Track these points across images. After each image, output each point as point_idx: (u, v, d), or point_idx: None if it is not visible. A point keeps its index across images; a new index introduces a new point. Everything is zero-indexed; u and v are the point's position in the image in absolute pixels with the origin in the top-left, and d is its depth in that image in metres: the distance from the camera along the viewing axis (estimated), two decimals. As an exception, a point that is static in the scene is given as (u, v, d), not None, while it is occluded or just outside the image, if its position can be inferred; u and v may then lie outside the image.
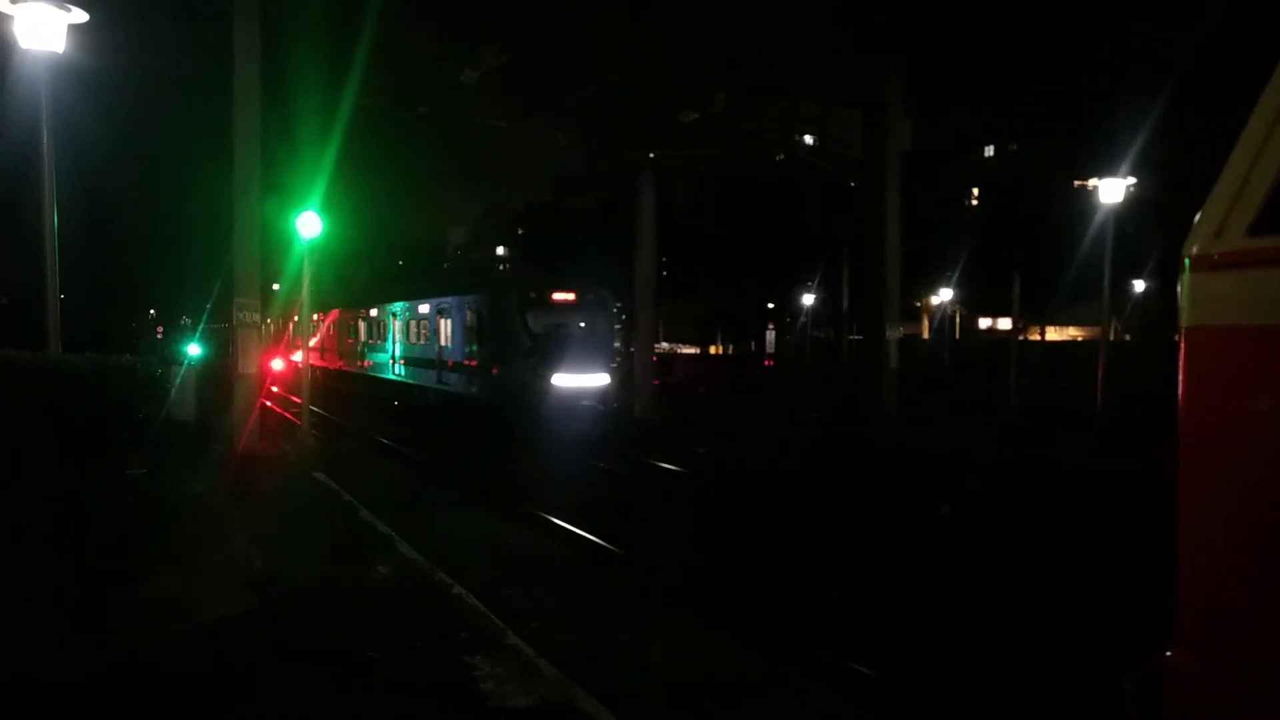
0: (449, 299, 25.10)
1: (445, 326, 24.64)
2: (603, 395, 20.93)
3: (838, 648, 7.79)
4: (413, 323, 27.79)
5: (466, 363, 22.95)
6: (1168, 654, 2.77)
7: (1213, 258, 2.69)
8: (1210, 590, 2.68)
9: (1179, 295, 2.81)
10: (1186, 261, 2.77)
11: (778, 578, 10.54)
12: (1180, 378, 2.76)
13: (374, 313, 32.47)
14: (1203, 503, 2.70)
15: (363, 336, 33.85)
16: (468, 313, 22.92)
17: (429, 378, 25.97)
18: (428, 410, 26.54)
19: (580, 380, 20.26)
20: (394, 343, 29.22)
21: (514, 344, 20.60)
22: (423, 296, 27.85)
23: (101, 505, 7.25)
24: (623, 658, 7.64)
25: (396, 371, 29.05)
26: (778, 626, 8.44)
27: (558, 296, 21.80)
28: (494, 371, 21.44)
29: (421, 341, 26.91)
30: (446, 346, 24.39)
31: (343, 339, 37.31)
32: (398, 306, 29.26)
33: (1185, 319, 2.76)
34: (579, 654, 7.13)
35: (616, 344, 23.19)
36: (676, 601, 9.19)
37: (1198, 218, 2.77)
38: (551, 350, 20.19)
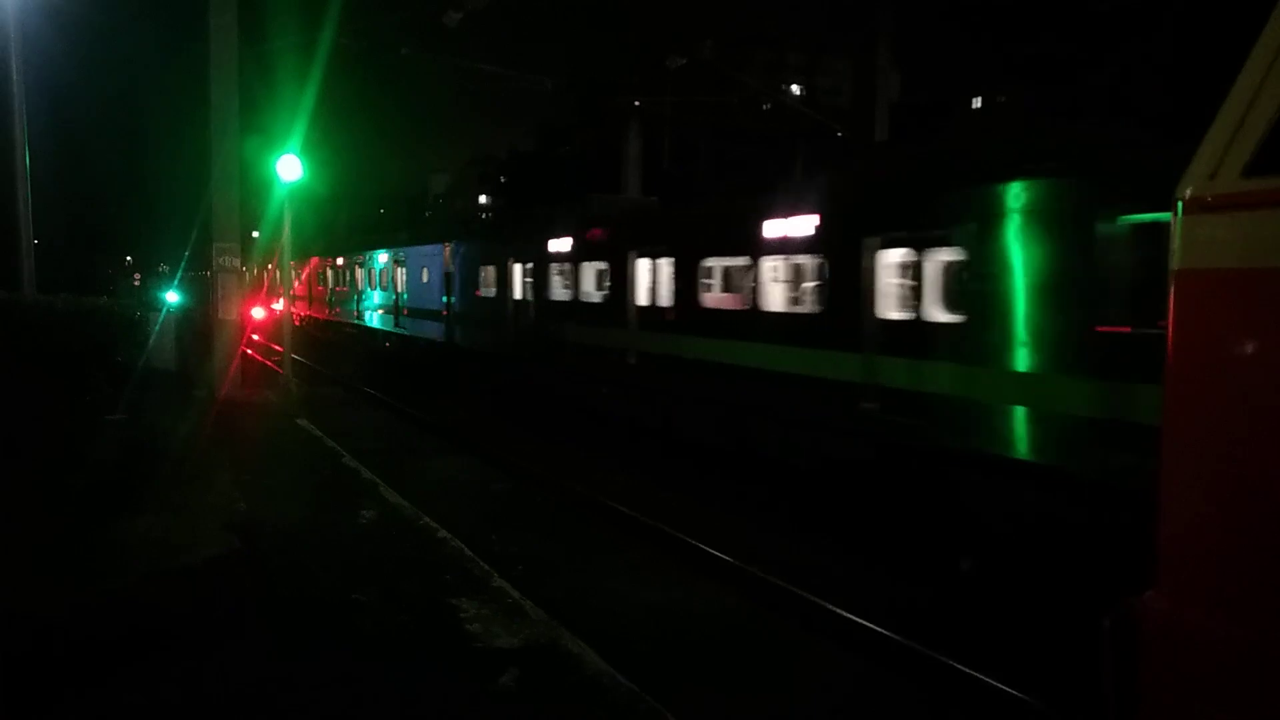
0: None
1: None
2: None
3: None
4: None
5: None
6: (1146, 596, 2.80)
7: (1206, 200, 2.67)
8: (1192, 534, 2.70)
9: (1170, 238, 2.79)
10: (1179, 204, 2.75)
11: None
12: (1169, 321, 2.76)
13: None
14: (1187, 446, 2.72)
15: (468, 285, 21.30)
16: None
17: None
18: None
19: None
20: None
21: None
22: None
23: (83, 448, 7.20)
24: (608, 600, 7.77)
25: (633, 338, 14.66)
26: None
27: None
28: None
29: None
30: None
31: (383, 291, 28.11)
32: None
33: (1176, 262, 2.74)
34: (565, 596, 7.23)
35: None
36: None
37: (1192, 160, 2.75)
38: None
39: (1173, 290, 2.76)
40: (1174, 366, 2.76)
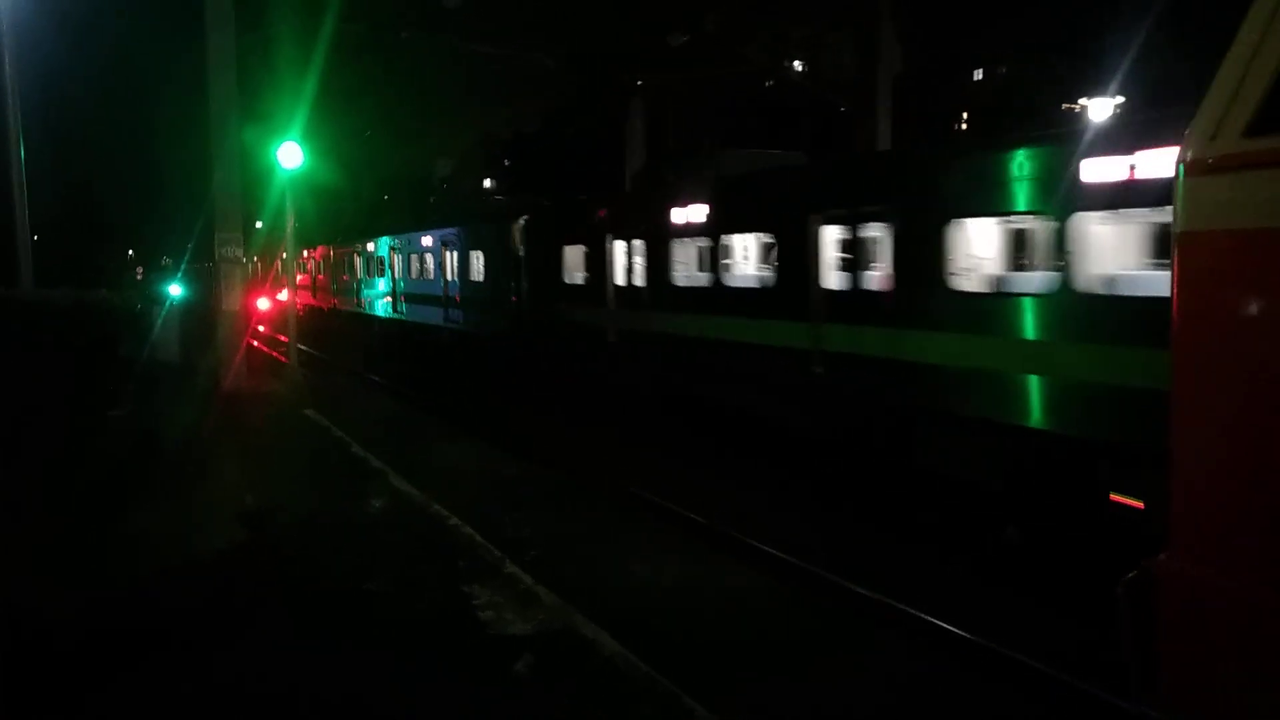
0: None
1: None
2: None
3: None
4: None
5: None
6: (1160, 558, 2.78)
7: (1208, 161, 2.62)
8: (1204, 496, 2.68)
9: (1173, 200, 2.74)
10: (1181, 166, 2.71)
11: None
12: (1173, 283, 2.72)
13: None
14: (1197, 408, 2.68)
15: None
16: None
17: None
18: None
19: None
20: None
21: None
22: None
23: (87, 444, 7.21)
24: (623, 583, 7.75)
25: None
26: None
27: None
28: None
29: None
30: None
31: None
32: None
33: (1179, 224, 2.70)
34: (578, 580, 7.22)
35: None
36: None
37: (1193, 121, 2.70)
38: None
39: (1176, 252, 2.73)
40: (1180, 329, 2.72)
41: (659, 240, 13.56)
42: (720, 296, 12.30)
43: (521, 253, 18.45)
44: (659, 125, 32.31)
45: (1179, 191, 2.71)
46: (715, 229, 12.42)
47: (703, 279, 12.98)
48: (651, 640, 5.91)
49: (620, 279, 14.72)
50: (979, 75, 61.92)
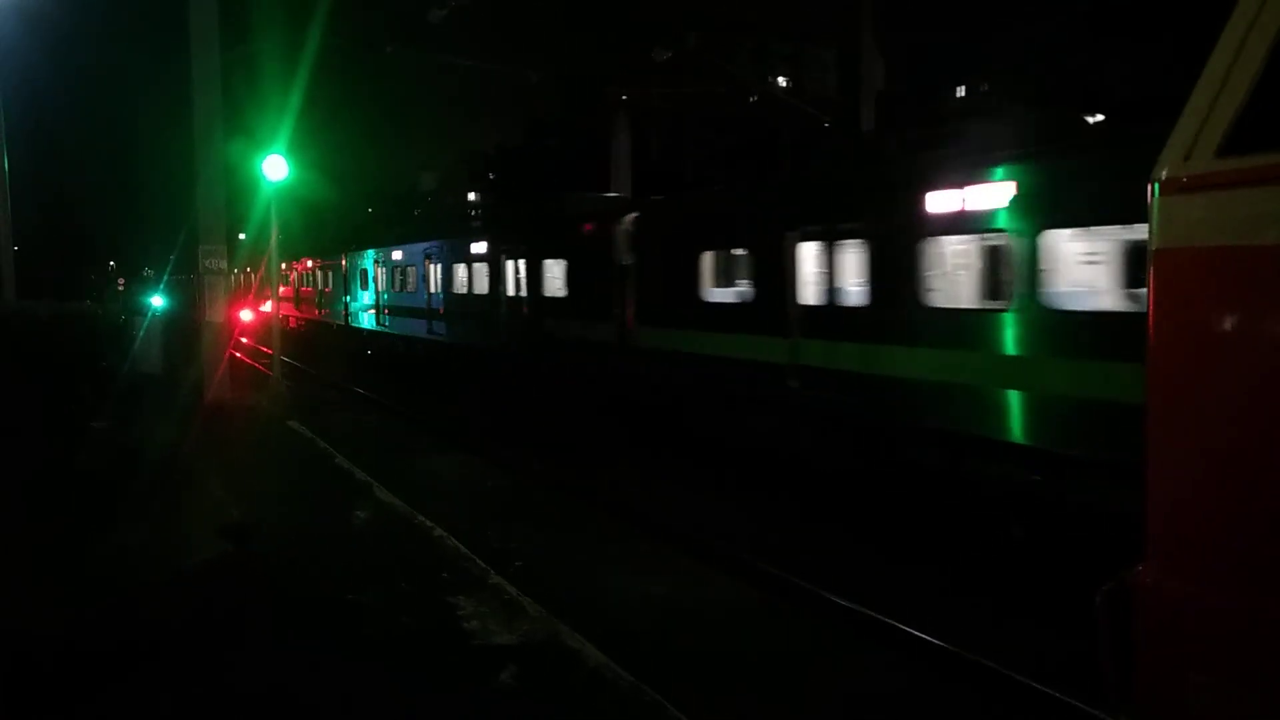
0: None
1: None
2: None
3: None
4: None
5: None
6: (1137, 570, 2.84)
7: (1181, 180, 2.71)
8: (1180, 509, 2.75)
9: (1148, 219, 2.83)
10: (1155, 185, 2.79)
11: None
12: (1149, 301, 2.80)
13: None
14: (1172, 423, 2.75)
15: None
16: None
17: None
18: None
19: None
20: None
21: None
22: None
23: (69, 458, 7.16)
24: (608, 594, 7.76)
25: None
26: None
27: None
28: None
29: None
30: None
31: None
32: None
33: (1154, 242, 2.78)
34: (563, 591, 7.22)
35: None
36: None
37: (1167, 141, 2.78)
38: None
39: (1152, 269, 2.80)
40: (1155, 344, 2.80)
41: (897, 240, 9.60)
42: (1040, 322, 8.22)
43: (627, 260, 14.51)
44: (643, 140, 32.49)
45: (1154, 210, 2.79)
46: (1024, 219, 8.32)
47: (1005, 297, 8.69)
48: (637, 651, 5.93)
49: (812, 296, 10.86)
50: (961, 92, 62.65)
